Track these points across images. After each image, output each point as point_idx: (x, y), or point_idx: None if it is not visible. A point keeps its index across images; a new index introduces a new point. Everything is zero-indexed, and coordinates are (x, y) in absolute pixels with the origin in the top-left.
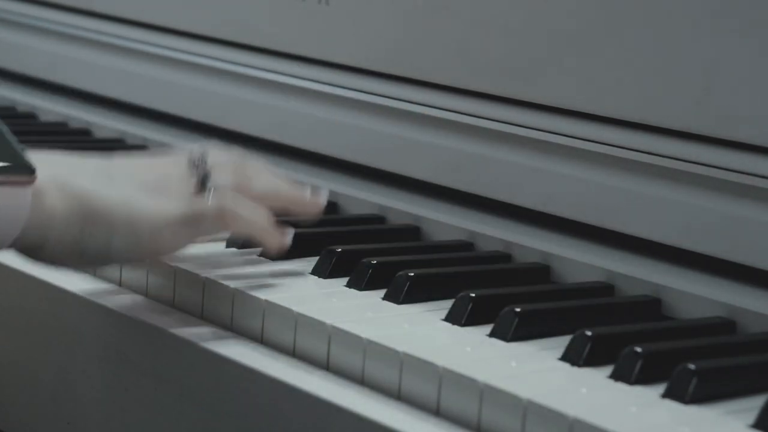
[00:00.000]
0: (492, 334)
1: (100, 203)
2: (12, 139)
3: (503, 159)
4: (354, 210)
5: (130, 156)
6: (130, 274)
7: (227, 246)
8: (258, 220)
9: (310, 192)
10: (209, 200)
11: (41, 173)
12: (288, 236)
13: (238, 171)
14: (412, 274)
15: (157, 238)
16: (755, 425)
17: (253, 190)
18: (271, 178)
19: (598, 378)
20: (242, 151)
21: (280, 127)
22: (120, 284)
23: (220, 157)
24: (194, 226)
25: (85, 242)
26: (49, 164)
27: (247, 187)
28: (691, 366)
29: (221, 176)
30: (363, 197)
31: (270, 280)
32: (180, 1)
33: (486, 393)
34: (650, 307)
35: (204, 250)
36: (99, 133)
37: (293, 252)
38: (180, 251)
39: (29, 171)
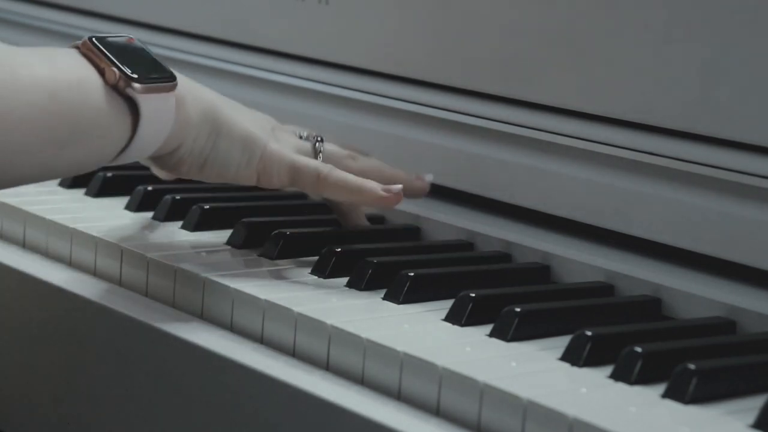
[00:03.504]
0: (492, 334)
1: (225, 118)
2: (151, 52)
3: (503, 159)
4: None
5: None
6: (130, 274)
7: (227, 244)
8: (357, 182)
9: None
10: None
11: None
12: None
13: (348, 147)
14: (412, 274)
15: (264, 165)
16: (755, 425)
17: (357, 164)
18: (378, 161)
19: (598, 378)
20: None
21: None
22: (120, 284)
23: (333, 138)
24: (295, 177)
25: (210, 152)
26: (180, 77)
27: (353, 159)
28: (691, 366)
29: (333, 145)
30: None
31: (270, 280)
32: (180, 1)
33: (486, 393)
34: (650, 307)
35: (204, 250)
36: None
37: (292, 252)
38: (276, 188)
39: (172, 78)
